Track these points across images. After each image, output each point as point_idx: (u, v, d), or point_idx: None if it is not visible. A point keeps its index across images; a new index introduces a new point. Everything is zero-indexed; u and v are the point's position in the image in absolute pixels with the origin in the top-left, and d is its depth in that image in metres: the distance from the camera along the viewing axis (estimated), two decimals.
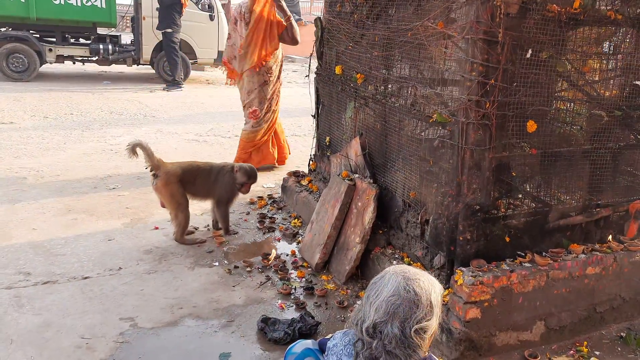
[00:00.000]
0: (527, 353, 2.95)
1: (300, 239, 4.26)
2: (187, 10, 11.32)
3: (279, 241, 4.34)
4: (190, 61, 12.00)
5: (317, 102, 4.74)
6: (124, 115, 8.57)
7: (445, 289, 3.03)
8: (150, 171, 4.10)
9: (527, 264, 2.99)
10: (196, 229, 4.47)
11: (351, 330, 1.81)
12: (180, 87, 11.12)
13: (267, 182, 5.67)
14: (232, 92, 11.18)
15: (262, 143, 5.92)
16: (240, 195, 4.41)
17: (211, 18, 12.17)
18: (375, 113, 3.76)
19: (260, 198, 5.14)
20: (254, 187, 5.40)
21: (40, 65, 11.20)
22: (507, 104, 2.88)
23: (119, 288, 3.53)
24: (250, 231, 4.51)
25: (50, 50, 11.22)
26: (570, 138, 3.28)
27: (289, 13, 5.84)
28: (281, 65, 5.99)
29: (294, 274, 3.77)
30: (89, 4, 11.08)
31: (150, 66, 12.18)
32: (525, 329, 3.00)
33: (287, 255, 4.06)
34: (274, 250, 4.03)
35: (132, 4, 12.20)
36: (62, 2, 10.82)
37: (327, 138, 4.55)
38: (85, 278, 3.64)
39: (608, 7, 3.08)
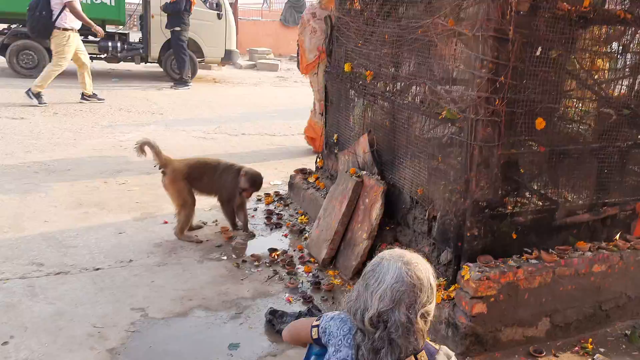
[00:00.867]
0: (532, 349, 2.98)
1: (306, 235, 4.30)
2: (195, 9, 11.37)
3: (286, 237, 4.38)
4: (198, 59, 12.04)
5: (326, 100, 4.78)
6: (132, 112, 8.63)
7: (451, 284, 3.07)
8: (159, 169, 4.18)
9: (533, 261, 3.02)
10: (204, 224, 4.51)
11: (347, 317, 1.80)
12: (188, 86, 11.18)
13: (274, 179, 5.72)
14: (238, 91, 11.28)
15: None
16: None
17: (219, 17, 12.22)
18: (384, 110, 3.80)
19: (267, 195, 5.18)
20: None
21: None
22: (516, 101, 2.91)
23: (129, 279, 3.58)
24: (258, 227, 4.56)
25: None
26: (578, 136, 3.31)
27: None
28: None
29: (301, 268, 3.82)
30: (99, 1, 11.16)
31: (158, 64, 12.25)
32: (530, 325, 3.03)
33: (294, 250, 4.10)
34: None
35: (141, 2, 12.27)
36: None
37: (335, 135, 4.59)
38: (97, 269, 3.69)
39: (617, 7, 3.11)
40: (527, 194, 3.24)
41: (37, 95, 8.51)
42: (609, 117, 3.25)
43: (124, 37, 11.93)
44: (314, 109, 6.52)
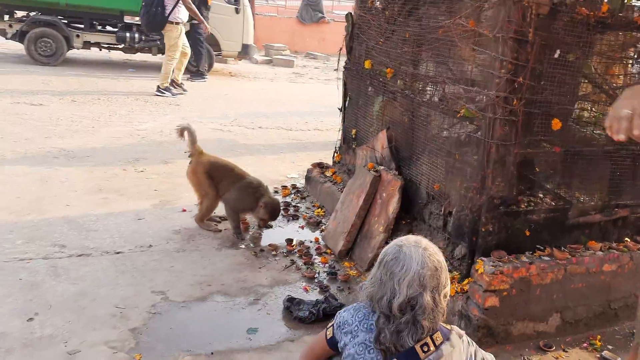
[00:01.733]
0: (542, 343, 3.06)
1: (323, 227, 4.39)
2: (214, 3, 11.47)
3: (303, 229, 4.48)
4: (215, 53, 12.15)
5: (345, 96, 4.86)
6: (149, 103, 8.75)
7: (465, 278, 3.15)
8: (188, 156, 4.31)
9: (546, 258, 3.10)
10: (222, 219, 4.50)
11: (359, 305, 1.91)
12: (204, 78, 11.29)
13: (291, 173, 5.82)
14: (254, 86, 11.37)
15: None
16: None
17: (237, 11, 12.32)
18: (403, 107, 3.88)
19: (284, 187, 5.28)
20: (277, 177, 5.59)
21: (67, 51, 11.43)
22: (533, 101, 2.98)
23: (149, 264, 3.69)
24: None
25: (78, 36, 11.41)
26: (593, 139, 3.38)
27: None
28: None
29: (317, 259, 3.91)
30: None
31: None
32: (541, 320, 3.11)
33: (311, 242, 4.20)
34: None
35: None
36: None
37: (354, 131, 4.68)
38: (118, 253, 3.80)
39: (635, 14, 3.18)
40: (540, 192, 3.32)
41: (167, 89, 9.36)
42: None
43: (141, 28, 12.03)
44: None
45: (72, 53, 12.18)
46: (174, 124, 7.35)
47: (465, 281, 3.10)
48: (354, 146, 4.67)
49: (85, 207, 4.50)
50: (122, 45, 11.80)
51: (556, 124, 3.03)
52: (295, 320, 3.15)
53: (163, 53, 12.15)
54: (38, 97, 8.23)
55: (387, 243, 3.64)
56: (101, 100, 8.56)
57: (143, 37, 11.80)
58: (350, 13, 4.64)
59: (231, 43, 12.38)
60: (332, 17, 19.60)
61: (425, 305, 1.70)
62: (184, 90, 9.68)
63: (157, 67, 12.63)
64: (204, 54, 11.21)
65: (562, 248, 3.20)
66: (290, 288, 3.53)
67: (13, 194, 4.62)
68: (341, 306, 3.24)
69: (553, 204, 3.33)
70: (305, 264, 3.82)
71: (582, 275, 3.14)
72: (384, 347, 1.77)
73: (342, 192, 4.37)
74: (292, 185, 5.40)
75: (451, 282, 2.66)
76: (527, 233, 3.18)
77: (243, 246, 4.07)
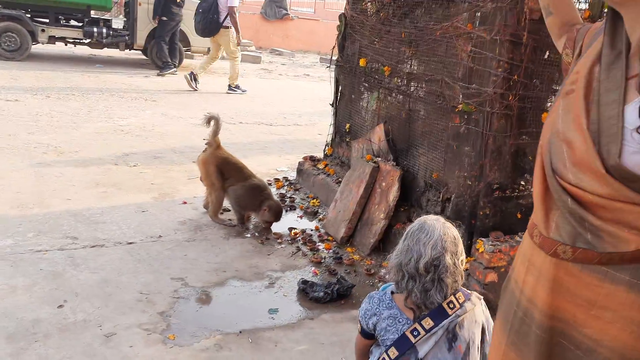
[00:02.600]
0: None
1: (321, 216, 4.64)
2: None
3: (301, 218, 4.71)
4: (184, 49, 12.17)
5: (337, 91, 5.11)
6: (124, 99, 8.76)
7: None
8: (205, 144, 4.48)
9: None
10: (224, 211, 4.66)
11: (371, 294, 2.19)
12: (173, 68, 11.35)
13: (280, 166, 6.03)
14: (225, 82, 11.44)
15: None
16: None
17: None
18: (399, 103, 4.17)
19: (277, 180, 5.49)
20: (267, 170, 5.79)
21: (32, 45, 11.24)
22: (526, 97, 3.32)
23: (163, 252, 3.85)
24: None
25: (43, 30, 11.23)
26: None
27: None
28: None
29: (321, 246, 4.16)
30: None
31: (141, 52, 12.33)
32: None
33: (312, 230, 4.44)
34: None
35: None
36: None
37: (347, 125, 4.94)
38: (130, 243, 3.94)
39: None
40: (530, 178, 3.67)
41: (237, 87, 10.45)
42: None
43: (108, 24, 11.95)
44: None
45: (35, 48, 11.97)
46: (156, 120, 7.51)
47: (467, 259, 3.41)
48: (347, 139, 4.93)
49: (87, 201, 4.59)
50: (89, 41, 11.68)
51: (545, 117, 3.37)
52: (312, 300, 3.38)
53: (131, 49, 12.16)
54: (11, 93, 8.13)
55: (388, 228, 3.94)
56: (76, 96, 8.52)
57: (111, 33, 11.72)
58: (343, 13, 4.89)
59: (200, 39, 12.39)
60: (295, 13, 19.80)
61: (447, 265, 1.99)
62: (196, 89, 10.17)
63: (124, 63, 12.59)
64: (164, 48, 11.29)
65: None
66: (300, 272, 3.76)
67: (12, 188, 4.66)
68: (353, 286, 3.51)
69: None
70: (310, 250, 4.06)
71: None
72: (414, 306, 2.04)
73: (336, 183, 4.62)
74: (284, 177, 5.62)
75: None
76: (519, 215, 3.52)
77: (249, 235, 4.28)
